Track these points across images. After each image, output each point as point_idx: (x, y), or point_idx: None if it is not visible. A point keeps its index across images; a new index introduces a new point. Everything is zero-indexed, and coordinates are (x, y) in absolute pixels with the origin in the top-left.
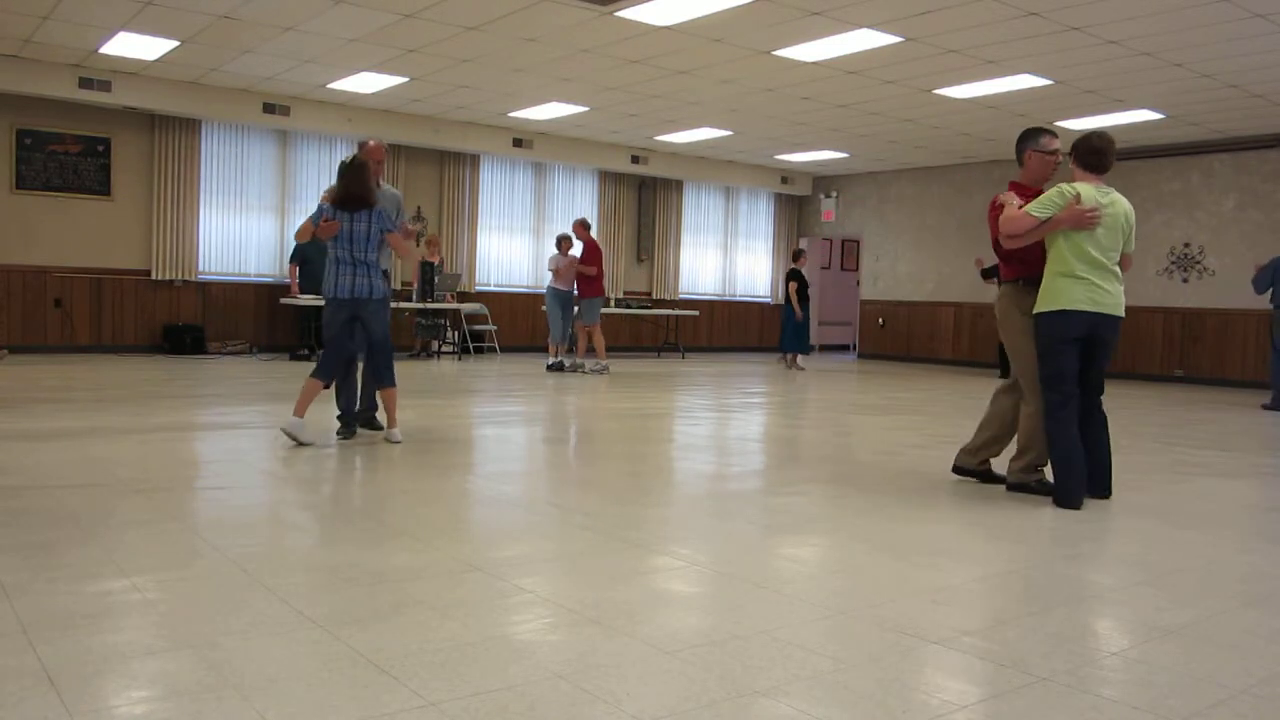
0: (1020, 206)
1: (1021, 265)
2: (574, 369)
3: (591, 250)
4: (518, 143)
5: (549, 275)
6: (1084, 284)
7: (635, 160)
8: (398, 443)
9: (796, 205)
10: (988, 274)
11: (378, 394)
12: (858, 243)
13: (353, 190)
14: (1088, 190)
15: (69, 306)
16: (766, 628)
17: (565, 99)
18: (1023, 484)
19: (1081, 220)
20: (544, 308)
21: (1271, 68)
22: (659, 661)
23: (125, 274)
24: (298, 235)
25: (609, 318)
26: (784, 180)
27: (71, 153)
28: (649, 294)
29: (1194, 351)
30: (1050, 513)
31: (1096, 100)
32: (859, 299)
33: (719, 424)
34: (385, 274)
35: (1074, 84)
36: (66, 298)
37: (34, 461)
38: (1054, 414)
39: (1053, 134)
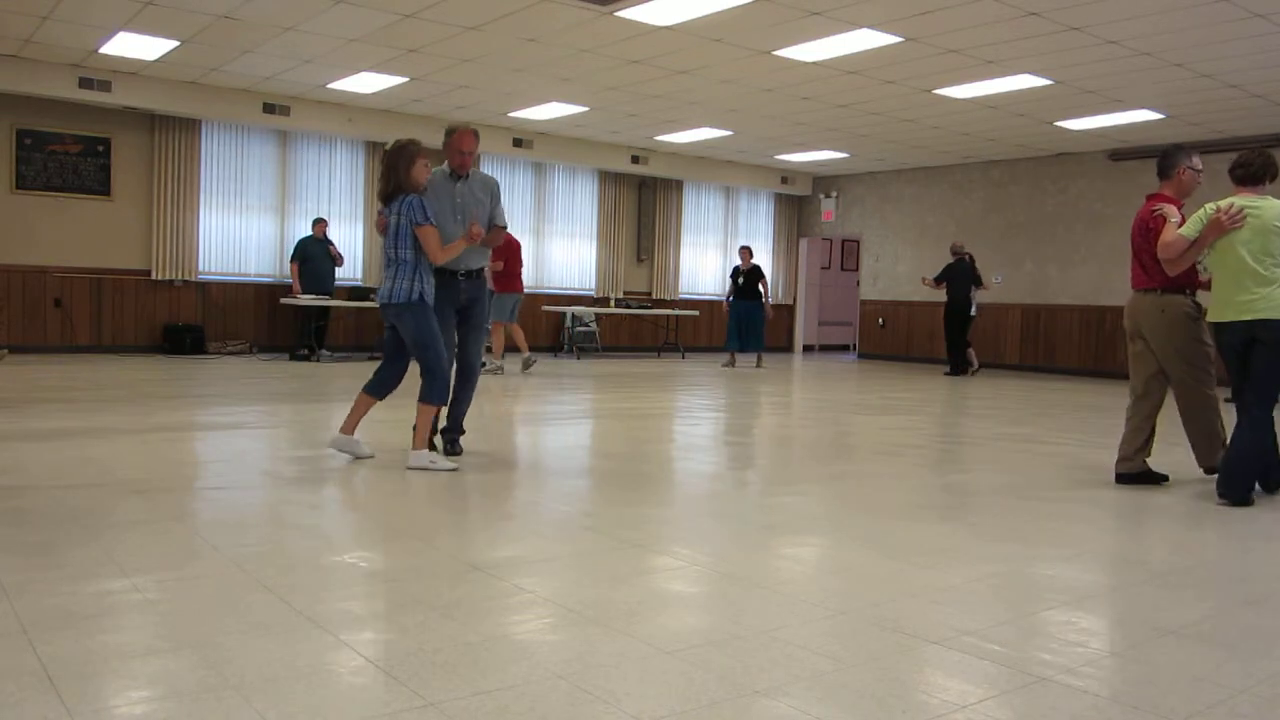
0: (1180, 223)
1: (1165, 275)
2: (494, 371)
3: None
4: (518, 143)
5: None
6: (1238, 291)
7: (635, 160)
8: (411, 467)
9: (796, 205)
10: (940, 280)
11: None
12: (858, 243)
13: (385, 178)
14: (1237, 201)
15: (69, 306)
16: (766, 628)
17: (565, 99)
18: (1140, 474)
19: (1221, 227)
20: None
21: (1271, 68)
22: (659, 661)
23: (125, 274)
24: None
25: (609, 318)
26: (784, 180)
27: (71, 153)
28: (649, 294)
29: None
30: (1048, 513)
31: (1096, 100)
32: (859, 299)
33: (719, 424)
34: (421, 275)
35: (1074, 84)
36: (66, 298)
37: (34, 461)
38: (1245, 420)
39: (1198, 154)
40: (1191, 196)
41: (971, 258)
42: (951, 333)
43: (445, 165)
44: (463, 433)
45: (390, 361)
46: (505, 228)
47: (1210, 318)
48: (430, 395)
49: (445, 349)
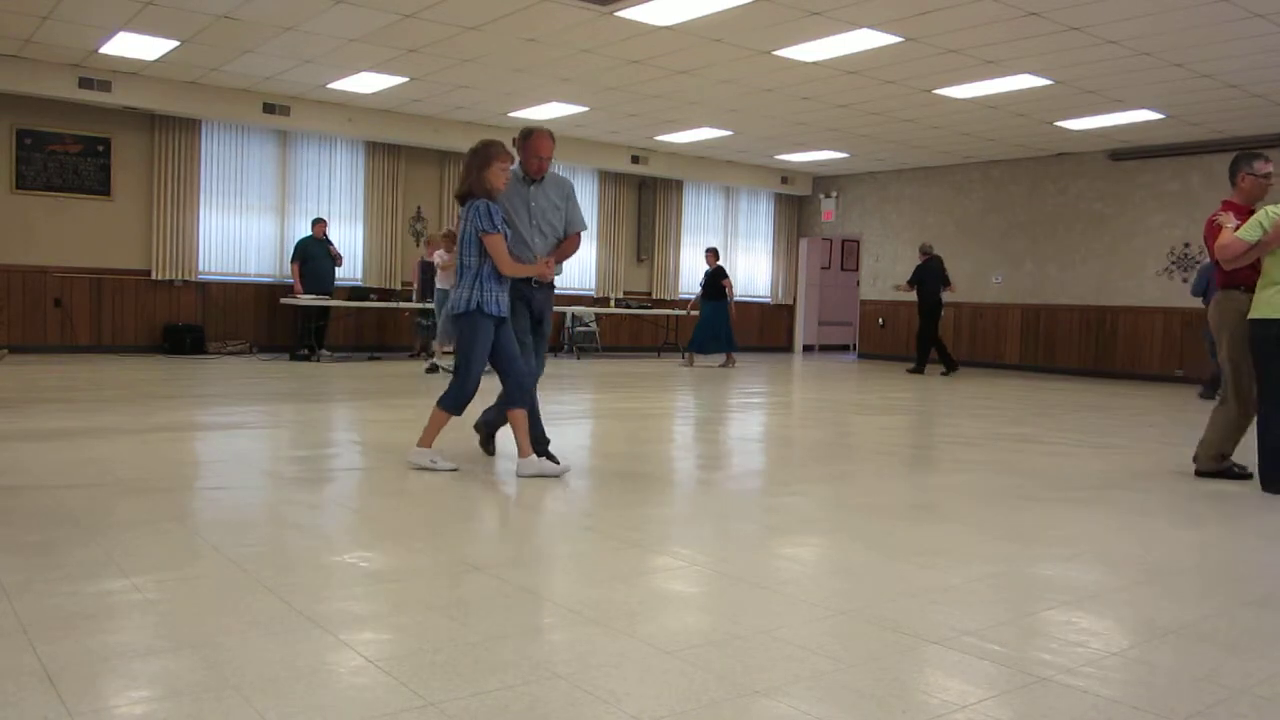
0: (1236, 228)
1: (1230, 275)
2: (438, 370)
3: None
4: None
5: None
6: None
7: (635, 160)
8: (528, 476)
9: (796, 205)
10: (912, 283)
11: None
12: (858, 243)
13: (462, 179)
14: None
15: (69, 306)
16: (766, 628)
17: (565, 99)
18: (1218, 470)
19: None
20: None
21: (1271, 68)
22: (659, 661)
23: (125, 274)
24: None
25: (609, 318)
26: (784, 180)
27: (71, 153)
28: (649, 294)
29: (1194, 351)
30: (1048, 513)
31: (1096, 100)
32: (859, 299)
33: (719, 424)
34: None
35: (1074, 84)
36: (66, 298)
37: (34, 461)
38: (1270, 414)
39: (1265, 159)
40: (1265, 198)
41: (939, 259)
42: (921, 330)
43: (518, 166)
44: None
45: (512, 362)
46: (582, 233)
47: (1257, 314)
48: (448, 402)
49: (520, 359)
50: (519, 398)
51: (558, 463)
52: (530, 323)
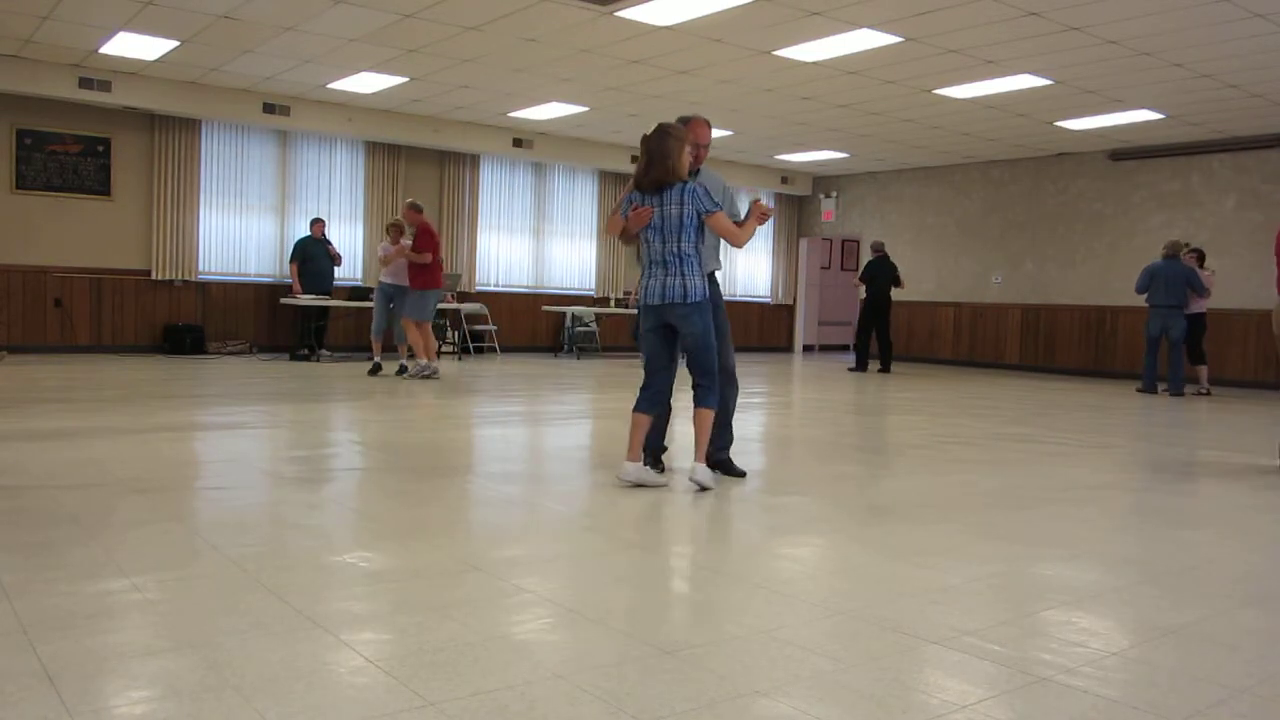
0: None
1: None
2: (406, 372)
3: (424, 235)
4: (518, 143)
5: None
6: None
7: (635, 160)
8: (703, 488)
9: (796, 205)
10: (862, 278)
11: (693, 418)
12: (858, 243)
13: (654, 163)
14: None
15: (69, 306)
16: (766, 628)
17: (565, 99)
18: None
19: None
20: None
21: (1271, 68)
22: (659, 661)
23: (125, 274)
24: (608, 229)
25: (609, 318)
26: (784, 180)
27: (71, 153)
28: None
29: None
30: (1048, 513)
31: (1096, 100)
32: (859, 299)
33: None
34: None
35: (1074, 84)
36: (66, 298)
37: (34, 461)
38: None
39: None
40: None
41: (888, 257)
42: (879, 329)
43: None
44: (724, 449)
45: (660, 371)
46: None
47: None
48: (712, 399)
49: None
50: (714, 399)
51: (662, 470)
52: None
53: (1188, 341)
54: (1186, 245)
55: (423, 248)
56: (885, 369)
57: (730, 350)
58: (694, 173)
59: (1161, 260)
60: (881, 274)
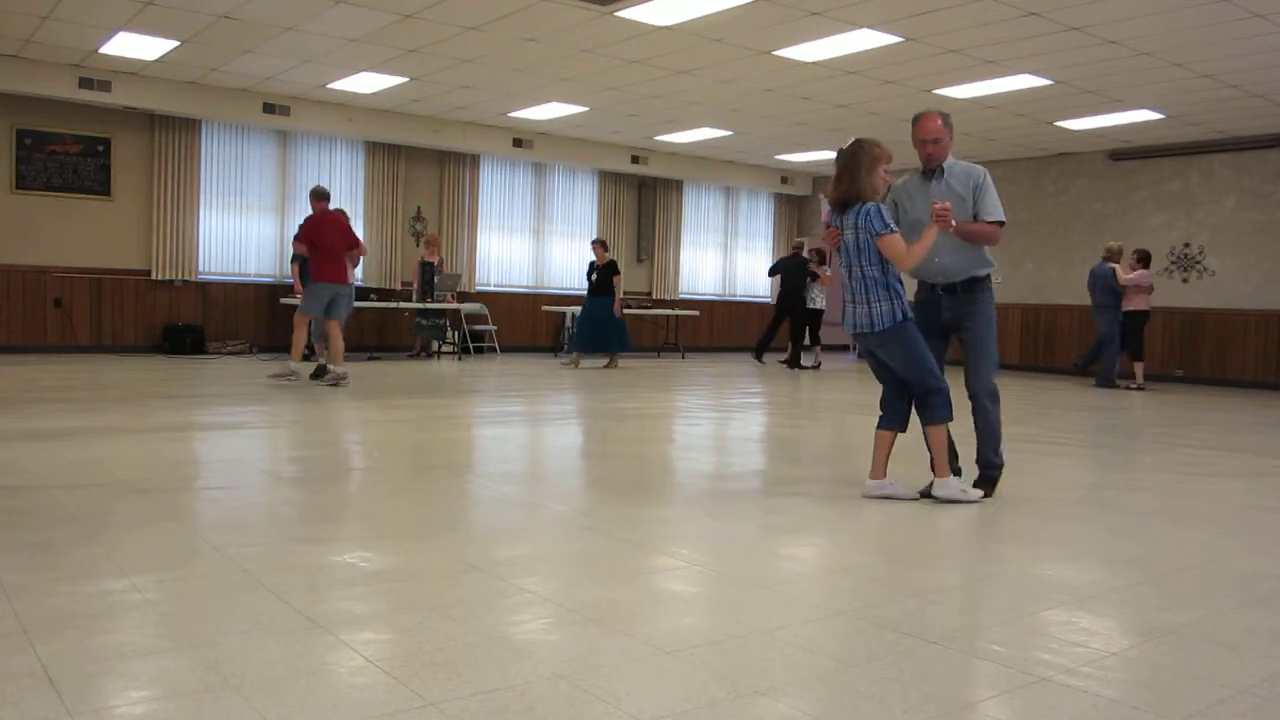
0: None
1: None
2: (321, 375)
3: (306, 225)
4: (518, 143)
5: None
6: None
7: (635, 160)
8: (946, 500)
9: (796, 205)
10: (772, 273)
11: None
12: None
13: (839, 178)
14: None
15: (69, 306)
16: (766, 628)
17: (565, 99)
18: None
19: None
20: None
21: (1271, 68)
22: (659, 661)
23: (125, 274)
24: (825, 238)
25: None
26: (784, 180)
27: (71, 153)
28: (649, 294)
29: (1194, 351)
30: (1048, 513)
31: (1096, 100)
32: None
33: (719, 424)
34: (894, 291)
35: (1074, 84)
36: (66, 298)
37: (34, 461)
38: None
39: None
40: None
41: (805, 259)
42: (786, 326)
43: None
44: (998, 467)
45: (885, 386)
46: (999, 224)
47: None
48: (940, 413)
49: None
50: (943, 409)
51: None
52: (943, 340)
53: (1123, 338)
54: (1119, 248)
55: (300, 238)
56: (791, 364)
57: (982, 362)
58: (937, 172)
59: (1097, 263)
60: (792, 271)
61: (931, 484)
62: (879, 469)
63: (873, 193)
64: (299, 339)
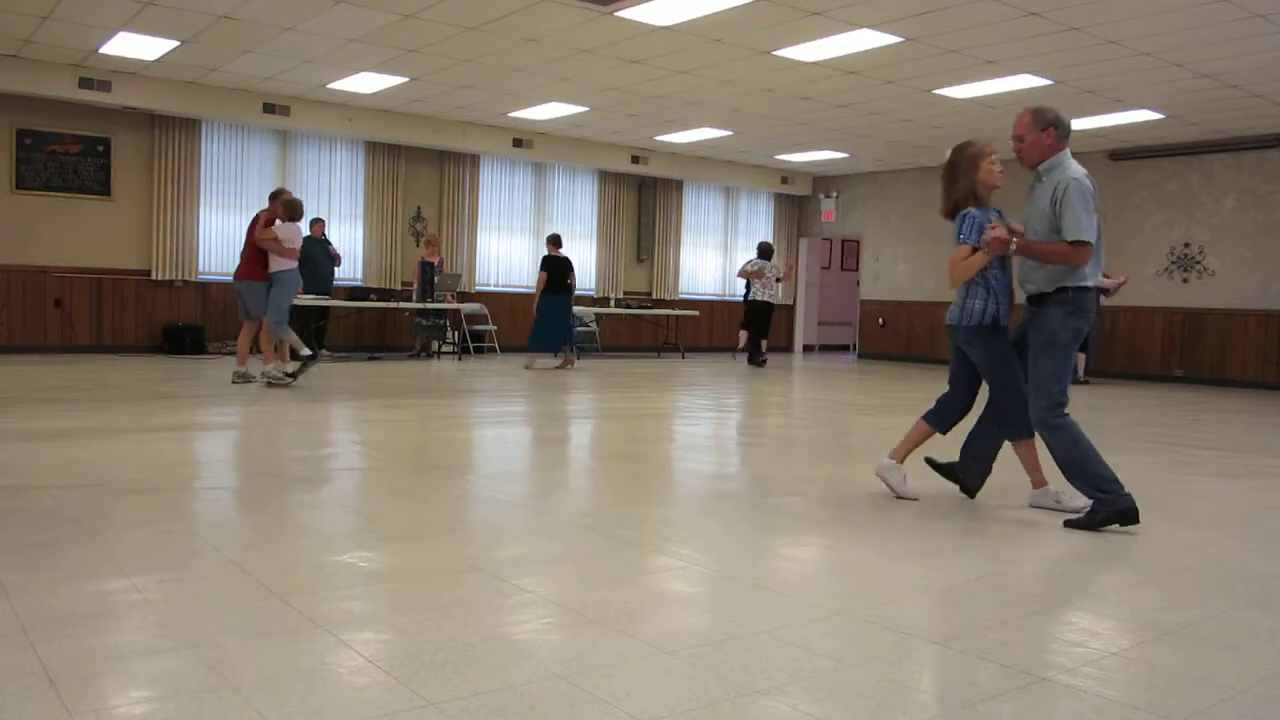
0: None
1: None
2: (283, 381)
3: (257, 222)
4: (518, 143)
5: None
6: None
7: (635, 160)
8: (1040, 508)
9: (796, 205)
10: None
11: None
12: (858, 243)
13: (946, 193)
14: None
15: (69, 306)
16: (766, 628)
17: (565, 99)
18: None
19: None
20: None
21: (1271, 68)
22: (659, 661)
23: (125, 274)
24: None
25: (609, 318)
26: (784, 180)
27: (71, 153)
28: (649, 294)
29: (1194, 351)
30: (1048, 513)
31: (1096, 100)
32: (859, 299)
33: (719, 424)
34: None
35: (1074, 84)
36: (66, 298)
37: (34, 461)
38: None
39: None
40: None
41: (774, 265)
42: (757, 325)
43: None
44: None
45: (955, 389)
46: (1079, 243)
47: None
48: (1013, 430)
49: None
50: (1011, 428)
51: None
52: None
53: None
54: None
55: (250, 236)
56: (753, 360)
57: (1033, 389)
58: (1038, 172)
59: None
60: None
61: (1031, 494)
62: (901, 454)
63: (985, 189)
64: (286, 339)
